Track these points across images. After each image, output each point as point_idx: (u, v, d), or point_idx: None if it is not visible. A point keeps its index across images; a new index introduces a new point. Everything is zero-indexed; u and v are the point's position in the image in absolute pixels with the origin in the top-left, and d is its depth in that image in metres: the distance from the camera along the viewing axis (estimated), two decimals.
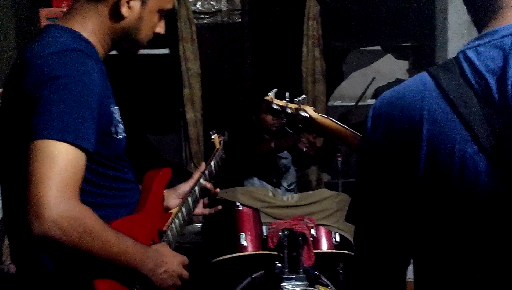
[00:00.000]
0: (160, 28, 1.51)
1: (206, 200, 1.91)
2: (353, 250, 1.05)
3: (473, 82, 0.81)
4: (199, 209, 1.89)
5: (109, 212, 1.39)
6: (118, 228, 1.33)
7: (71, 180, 1.18)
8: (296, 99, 1.65)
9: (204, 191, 1.87)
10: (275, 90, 1.69)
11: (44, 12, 3.18)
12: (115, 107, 1.43)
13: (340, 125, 1.60)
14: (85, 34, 1.38)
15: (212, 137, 2.11)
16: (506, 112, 0.78)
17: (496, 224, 0.79)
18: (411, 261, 0.97)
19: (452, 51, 3.56)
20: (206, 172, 1.91)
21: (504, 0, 0.87)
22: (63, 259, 1.27)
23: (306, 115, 1.61)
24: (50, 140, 1.16)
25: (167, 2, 1.50)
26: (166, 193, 1.78)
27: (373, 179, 0.93)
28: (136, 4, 1.40)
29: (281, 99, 1.69)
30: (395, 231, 0.93)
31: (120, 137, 1.41)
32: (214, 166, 1.98)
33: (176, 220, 1.67)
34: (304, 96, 1.68)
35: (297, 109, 1.62)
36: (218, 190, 1.93)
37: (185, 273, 1.52)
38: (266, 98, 1.70)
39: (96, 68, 1.32)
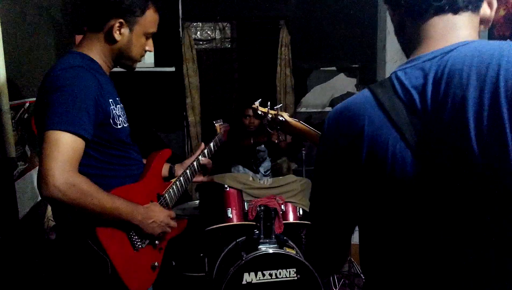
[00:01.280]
0: (149, 47, 1.57)
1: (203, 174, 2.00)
2: (311, 221, 1.05)
3: (401, 95, 0.82)
4: (198, 178, 1.98)
5: (115, 181, 1.48)
6: (120, 192, 1.43)
7: (70, 157, 1.26)
8: (275, 107, 1.67)
9: (202, 165, 1.96)
10: (259, 100, 1.71)
11: (78, 38, 3.15)
12: (118, 105, 1.50)
13: (307, 126, 1.62)
14: (91, 55, 1.46)
15: (216, 124, 2.15)
16: (426, 118, 0.78)
17: (419, 203, 0.79)
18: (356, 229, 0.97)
19: (389, 71, 3.56)
20: (206, 151, 1.98)
21: (425, 34, 0.86)
22: (79, 215, 1.34)
23: (283, 119, 1.63)
24: (55, 131, 1.25)
25: (150, 28, 1.54)
26: (176, 166, 1.90)
27: (327, 169, 0.93)
28: (125, 31, 1.47)
29: (264, 107, 1.71)
30: (344, 206, 0.93)
31: (120, 126, 1.48)
32: (213, 146, 2.05)
33: (174, 187, 1.76)
34: (281, 104, 1.71)
35: (276, 114, 1.64)
36: (210, 162, 2.00)
37: (172, 223, 1.61)
38: (253, 106, 1.72)
39: (93, 78, 1.38)
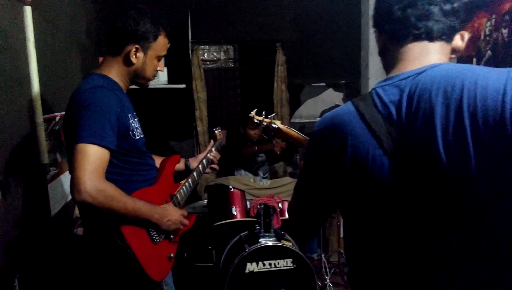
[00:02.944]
0: (160, 68, 1.59)
1: (210, 167, 2.05)
2: (291, 207, 1.06)
3: (380, 109, 0.83)
4: (208, 170, 2.03)
5: (135, 184, 1.49)
6: (140, 195, 1.43)
7: (98, 167, 1.27)
8: (270, 116, 1.68)
9: (211, 161, 2.01)
10: (255, 109, 1.72)
11: (101, 60, 3.17)
12: (135, 119, 1.50)
13: (297, 132, 1.62)
14: (110, 76, 1.46)
15: (215, 131, 2.16)
16: (400, 128, 0.80)
17: (394, 202, 0.80)
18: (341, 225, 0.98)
19: (371, 87, 3.56)
20: (213, 149, 2.04)
21: (402, 56, 0.88)
22: (104, 214, 1.33)
23: (276, 126, 1.64)
24: (85, 144, 1.26)
25: (162, 51, 1.55)
26: (190, 160, 1.95)
27: (314, 168, 0.93)
28: (140, 55, 1.48)
29: (260, 116, 1.72)
30: (324, 198, 0.95)
31: (137, 137, 1.48)
32: (216, 148, 2.07)
33: (184, 187, 1.77)
34: (274, 114, 1.71)
35: (270, 122, 1.65)
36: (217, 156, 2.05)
37: (185, 221, 1.62)
38: (250, 115, 1.73)
39: (114, 96, 1.39)
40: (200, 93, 4.13)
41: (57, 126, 2.14)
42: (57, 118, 2.15)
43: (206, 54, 4.50)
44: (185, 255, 2.98)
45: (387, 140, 0.80)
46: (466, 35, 0.89)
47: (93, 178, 1.23)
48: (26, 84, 1.79)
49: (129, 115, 1.45)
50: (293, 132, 1.64)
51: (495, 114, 0.69)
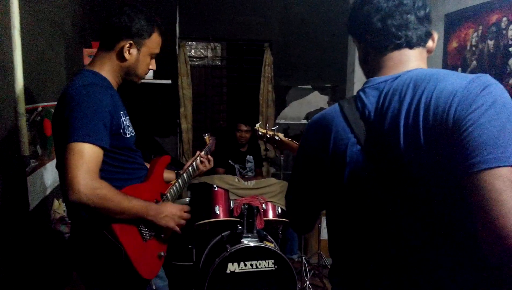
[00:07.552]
0: (152, 66, 1.58)
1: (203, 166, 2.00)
2: (286, 198, 1.16)
3: (360, 109, 0.93)
4: (203, 169, 1.99)
5: (124, 182, 1.47)
6: (131, 190, 1.42)
7: (92, 166, 1.25)
8: (273, 128, 1.78)
9: (202, 161, 1.98)
10: (260, 122, 1.82)
11: (86, 51, 3.11)
12: (126, 117, 1.48)
13: (297, 144, 1.68)
14: (102, 73, 1.45)
15: (205, 136, 2.16)
16: (374, 126, 0.89)
17: (370, 189, 0.88)
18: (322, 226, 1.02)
19: (357, 91, 3.63)
20: (202, 153, 2.02)
21: (384, 64, 0.96)
22: (94, 211, 1.31)
23: (278, 138, 1.75)
24: (78, 142, 1.24)
25: (155, 49, 1.55)
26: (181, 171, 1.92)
27: (304, 160, 1.04)
28: (134, 51, 1.47)
29: (263, 128, 1.83)
30: (312, 187, 1.04)
31: (128, 136, 1.47)
32: (205, 152, 2.05)
33: (174, 187, 1.77)
34: (277, 126, 1.79)
35: (273, 135, 1.72)
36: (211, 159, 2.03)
37: (185, 215, 1.60)
38: (255, 127, 1.83)
39: (107, 94, 1.37)
40: (186, 90, 4.10)
41: (39, 117, 2.09)
42: (39, 109, 2.10)
43: (193, 50, 4.47)
44: (165, 253, 2.95)
45: (363, 136, 0.89)
46: (436, 35, 0.98)
47: (88, 177, 1.22)
48: (9, 73, 1.74)
49: (121, 113, 1.44)
50: (294, 143, 1.74)
51: (443, 113, 0.77)
